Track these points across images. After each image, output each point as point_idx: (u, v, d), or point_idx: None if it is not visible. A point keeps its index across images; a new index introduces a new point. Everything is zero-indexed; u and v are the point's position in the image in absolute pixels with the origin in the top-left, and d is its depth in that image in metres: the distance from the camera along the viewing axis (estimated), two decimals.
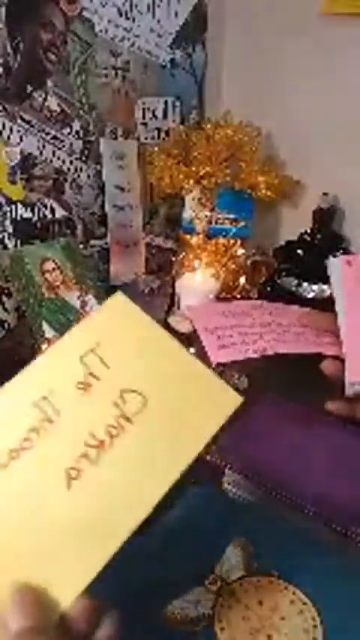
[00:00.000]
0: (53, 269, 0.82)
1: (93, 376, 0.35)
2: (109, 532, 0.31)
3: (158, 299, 0.91)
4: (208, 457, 0.55)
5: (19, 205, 0.86)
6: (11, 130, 0.81)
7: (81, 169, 0.92)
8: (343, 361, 0.50)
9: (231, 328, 0.55)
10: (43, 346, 0.76)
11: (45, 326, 0.78)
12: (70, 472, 0.32)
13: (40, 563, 0.30)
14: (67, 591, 0.30)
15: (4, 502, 0.32)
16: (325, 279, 0.56)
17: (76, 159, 0.91)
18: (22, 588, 0.30)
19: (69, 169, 0.90)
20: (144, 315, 0.39)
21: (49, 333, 0.78)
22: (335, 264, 0.54)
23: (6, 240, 0.86)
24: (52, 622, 0.29)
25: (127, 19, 0.87)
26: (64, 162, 0.89)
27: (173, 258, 0.97)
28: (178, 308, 0.90)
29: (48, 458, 0.33)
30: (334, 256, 0.56)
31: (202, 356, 0.82)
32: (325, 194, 0.90)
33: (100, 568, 0.30)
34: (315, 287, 0.88)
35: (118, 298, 0.40)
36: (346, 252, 0.92)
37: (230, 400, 0.37)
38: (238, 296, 0.97)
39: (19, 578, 0.30)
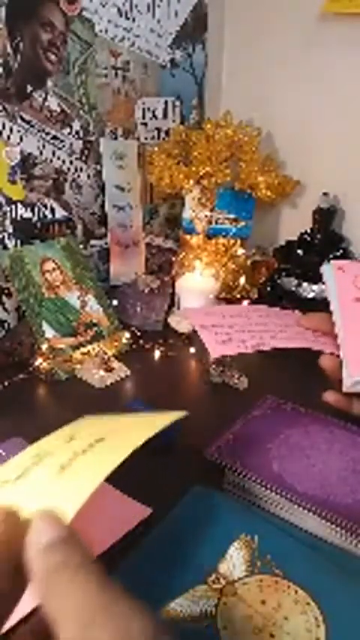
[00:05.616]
0: (53, 269, 0.82)
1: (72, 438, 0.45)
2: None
3: (158, 299, 0.91)
4: (208, 457, 0.55)
5: (19, 205, 0.85)
6: (11, 130, 0.80)
7: (81, 169, 0.92)
8: (339, 358, 0.51)
9: (228, 327, 0.56)
10: (43, 346, 0.76)
11: (45, 326, 0.78)
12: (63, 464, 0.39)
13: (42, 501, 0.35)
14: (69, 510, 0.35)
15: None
16: None
17: (76, 159, 0.91)
18: (40, 511, 0.32)
19: (69, 169, 0.90)
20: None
21: (49, 333, 0.77)
22: (328, 270, 0.56)
23: (6, 240, 0.86)
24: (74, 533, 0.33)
25: (127, 19, 0.87)
26: (64, 162, 0.89)
27: (173, 258, 0.97)
28: (178, 308, 0.90)
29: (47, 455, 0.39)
30: (328, 261, 0.57)
31: (202, 352, 0.82)
32: (325, 194, 0.90)
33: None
34: (315, 287, 0.88)
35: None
36: (346, 252, 0.92)
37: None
38: (238, 296, 0.97)
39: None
